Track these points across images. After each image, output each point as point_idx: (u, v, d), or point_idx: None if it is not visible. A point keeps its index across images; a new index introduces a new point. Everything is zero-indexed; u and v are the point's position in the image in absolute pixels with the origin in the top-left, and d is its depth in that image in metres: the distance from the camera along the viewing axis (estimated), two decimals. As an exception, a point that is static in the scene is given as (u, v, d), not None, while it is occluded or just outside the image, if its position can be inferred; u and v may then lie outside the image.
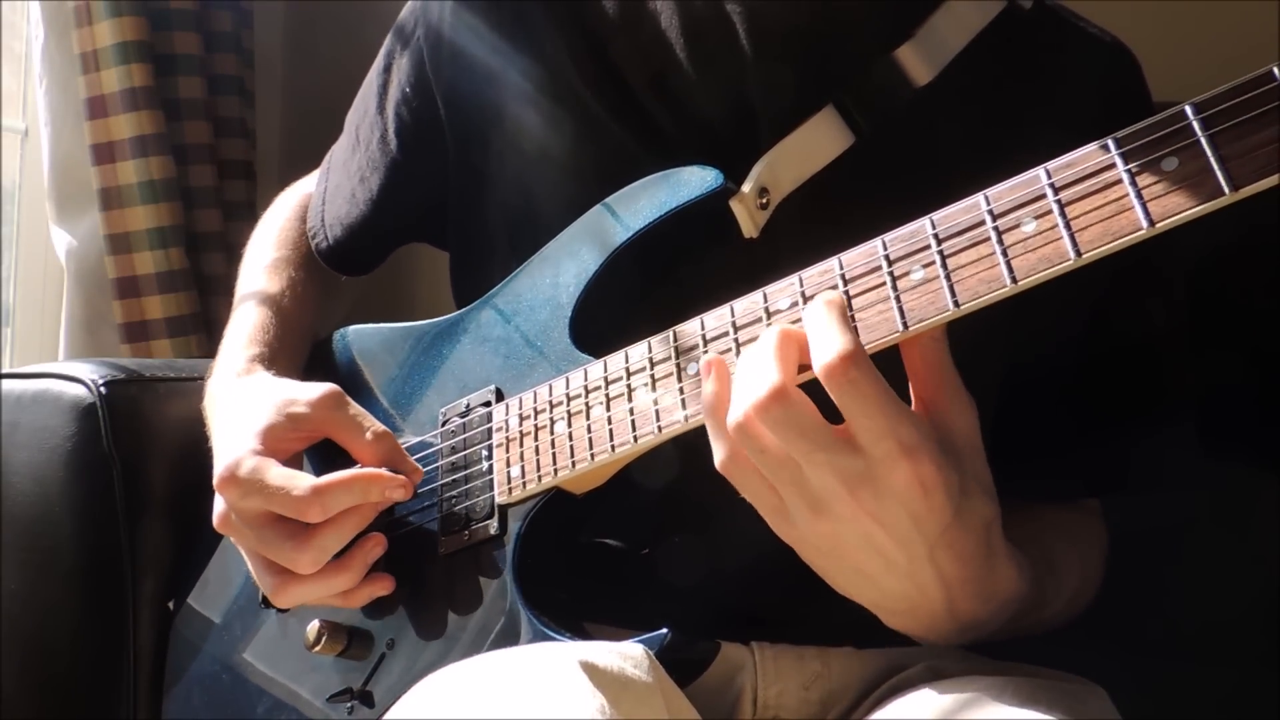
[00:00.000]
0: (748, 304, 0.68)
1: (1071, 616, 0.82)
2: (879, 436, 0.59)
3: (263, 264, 0.98)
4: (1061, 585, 0.79)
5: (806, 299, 0.65)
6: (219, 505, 0.77)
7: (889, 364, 0.62)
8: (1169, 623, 1.04)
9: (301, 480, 0.74)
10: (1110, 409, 0.83)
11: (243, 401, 0.83)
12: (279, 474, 0.74)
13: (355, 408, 0.80)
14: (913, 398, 0.64)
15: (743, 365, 0.61)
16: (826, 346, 0.59)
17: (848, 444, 0.59)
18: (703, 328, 0.69)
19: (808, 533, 0.63)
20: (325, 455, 0.82)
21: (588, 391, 0.74)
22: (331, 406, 0.79)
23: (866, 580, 0.66)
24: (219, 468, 0.76)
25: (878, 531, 0.61)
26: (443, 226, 0.96)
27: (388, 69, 0.95)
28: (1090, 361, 0.82)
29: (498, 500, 0.77)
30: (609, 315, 0.78)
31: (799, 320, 0.64)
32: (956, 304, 0.59)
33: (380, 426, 0.79)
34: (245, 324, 0.92)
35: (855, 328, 0.61)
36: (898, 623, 0.70)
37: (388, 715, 0.71)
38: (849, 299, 0.63)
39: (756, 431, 0.60)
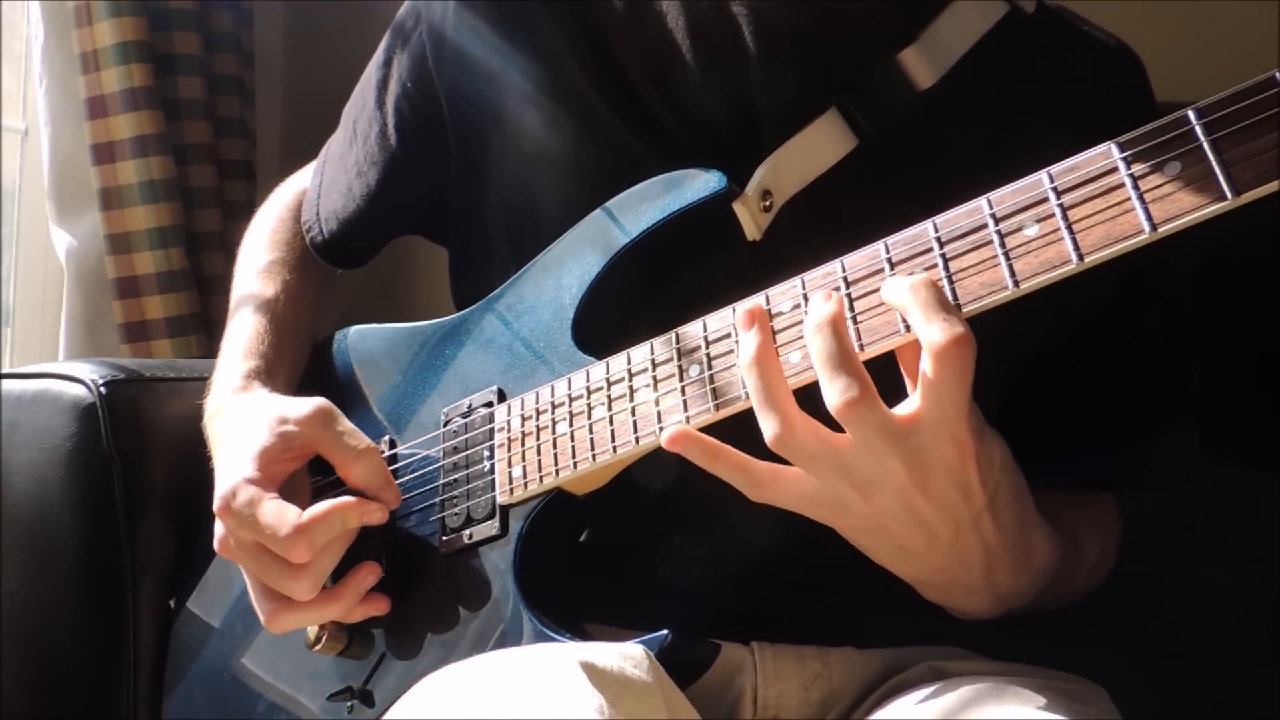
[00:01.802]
0: (752, 303, 0.68)
1: (1085, 593, 0.83)
2: (953, 418, 0.60)
3: (257, 268, 0.98)
4: (1083, 561, 0.80)
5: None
6: (219, 530, 0.78)
7: (885, 367, 0.62)
8: (1169, 623, 1.04)
9: (289, 517, 0.75)
10: (1117, 407, 0.83)
11: (238, 422, 0.83)
12: (269, 510, 0.75)
13: (343, 424, 0.81)
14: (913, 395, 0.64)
15: (822, 363, 0.61)
16: (944, 328, 0.58)
17: (910, 429, 0.60)
18: (705, 330, 0.69)
19: (856, 513, 0.64)
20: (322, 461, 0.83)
21: (590, 393, 0.74)
22: (319, 424, 0.80)
23: (910, 556, 0.67)
24: (217, 494, 0.77)
25: (926, 506, 0.62)
26: (442, 223, 0.96)
27: (387, 64, 0.94)
28: (1098, 359, 0.82)
29: (499, 500, 0.77)
30: (611, 317, 0.78)
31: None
32: (958, 306, 0.60)
33: (365, 444, 0.80)
34: (241, 335, 0.92)
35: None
36: (936, 595, 0.71)
37: (388, 715, 0.71)
38: (851, 300, 0.63)
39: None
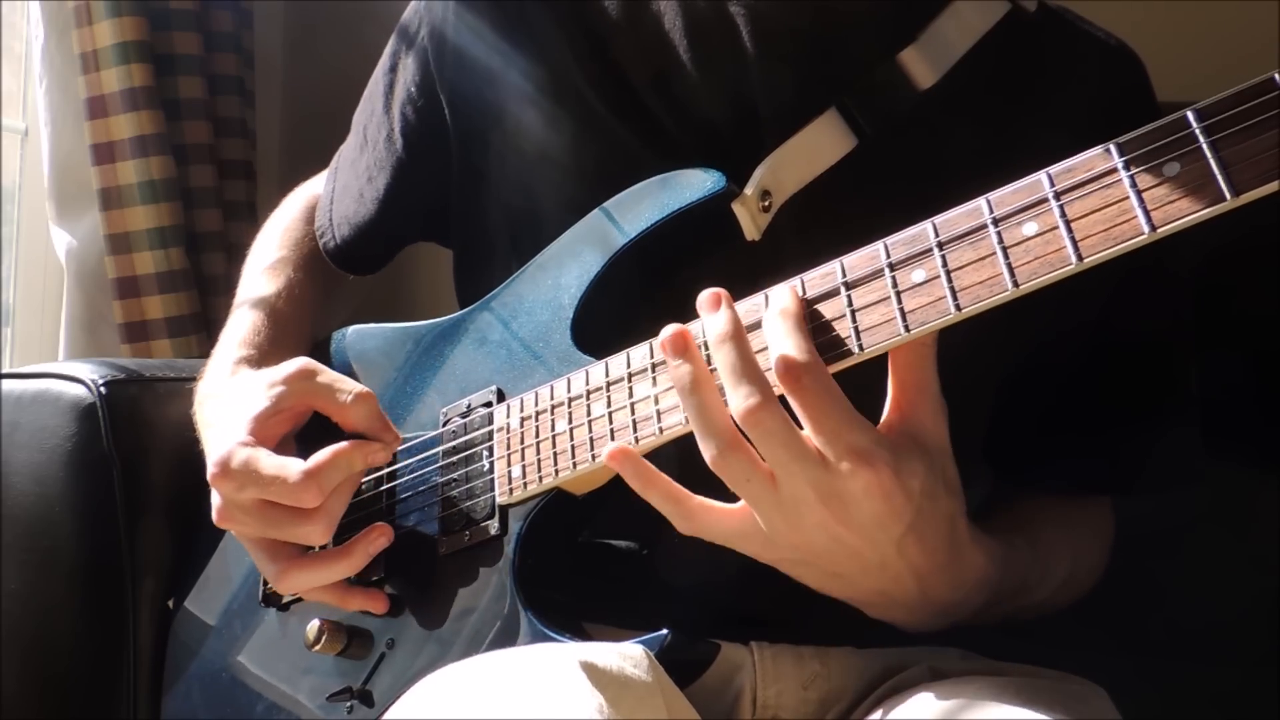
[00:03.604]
0: (749, 306, 0.68)
1: (1066, 603, 0.83)
2: (829, 440, 0.61)
3: (262, 265, 0.99)
4: (1049, 571, 0.80)
5: (770, 301, 0.66)
6: (215, 500, 0.78)
7: (878, 369, 0.63)
8: (1170, 623, 1.04)
9: (293, 466, 0.75)
10: (1116, 408, 0.83)
11: (228, 398, 0.84)
12: (271, 463, 0.75)
13: (329, 374, 0.81)
14: (890, 399, 0.65)
15: (725, 376, 0.63)
16: (781, 353, 0.61)
17: (818, 456, 0.61)
18: (704, 330, 0.69)
19: (783, 545, 0.65)
20: (312, 426, 0.83)
21: (589, 393, 0.74)
22: (305, 377, 0.80)
23: (843, 581, 0.68)
24: (211, 463, 0.77)
25: (846, 534, 0.63)
26: (447, 226, 0.96)
27: (393, 69, 0.95)
28: (1095, 361, 0.82)
29: (498, 500, 0.77)
30: (610, 317, 0.78)
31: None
32: (958, 307, 0.60)
33: (357, 388, 0.80)
34: (239, 328, 0.92)
35: (809, 333, 0.63)
36: (880, 613, 0.72)
37: (387, 715, 0.71)
38: (851, 301, 0.63)
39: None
